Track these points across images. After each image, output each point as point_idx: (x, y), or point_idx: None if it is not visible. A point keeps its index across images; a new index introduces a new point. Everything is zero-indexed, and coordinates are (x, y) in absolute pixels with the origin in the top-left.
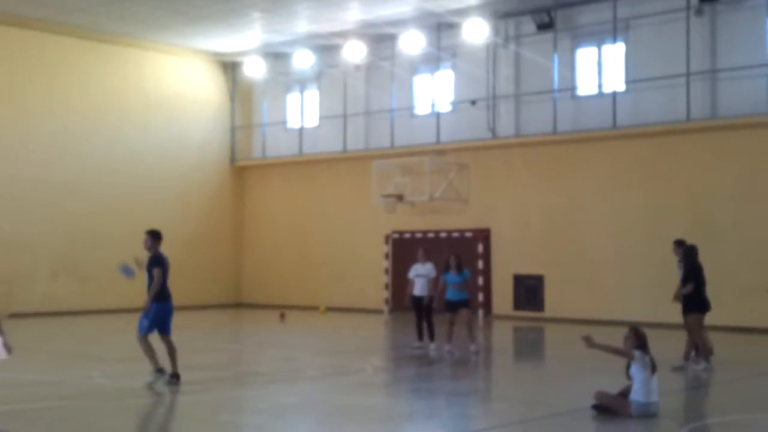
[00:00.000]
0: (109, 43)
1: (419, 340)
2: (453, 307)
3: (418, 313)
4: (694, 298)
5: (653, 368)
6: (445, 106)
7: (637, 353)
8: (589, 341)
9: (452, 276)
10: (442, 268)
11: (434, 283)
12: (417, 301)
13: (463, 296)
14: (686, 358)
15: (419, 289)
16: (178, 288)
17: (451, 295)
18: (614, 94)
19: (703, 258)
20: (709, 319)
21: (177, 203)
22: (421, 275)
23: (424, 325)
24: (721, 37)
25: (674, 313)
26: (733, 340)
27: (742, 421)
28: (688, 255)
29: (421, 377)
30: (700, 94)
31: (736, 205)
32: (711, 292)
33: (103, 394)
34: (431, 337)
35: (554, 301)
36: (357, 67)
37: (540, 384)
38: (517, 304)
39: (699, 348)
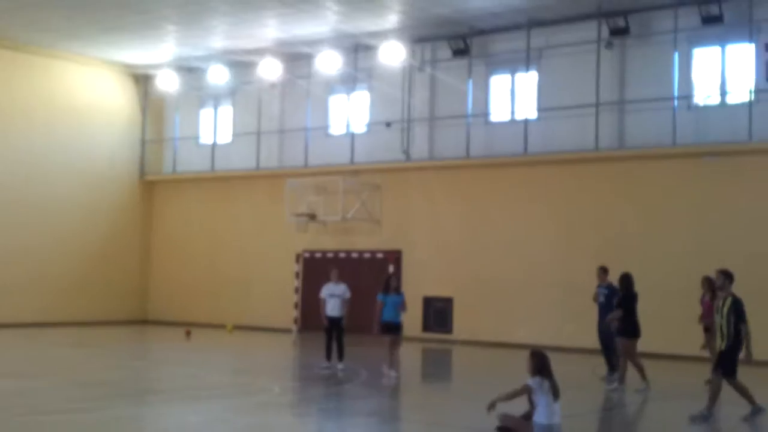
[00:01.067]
0: (17, 50)
1: (327, 360)
2: (394, 329)
3: (329, 334)
4: (626, 324)
5: (555, 391)
6: (360, 127)
7: (534, 381)
8: (490, 406)
9: (394, 297)
10: (381, 288)
11: (348, 304)
12: (329, 321)
13: (400, 318)
14: (624, 378)
15: (332, 309)
16: (81, 303)
17: (391, 316)
18: (526, 122)
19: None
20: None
21: (84, 216)
22: (335, 295)
23: (333, 345)
24: (630, 70)
25: (578, 337)
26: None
27: None
28: (623, 282)
29: (329, 397)
30: (608, 124)
31: (642, 233)
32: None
33: None
34: (340, 357)
35: (463, 323)
36: (272, 85)
37: (446, 406)
38: (426, 326)
39: (616, 368)
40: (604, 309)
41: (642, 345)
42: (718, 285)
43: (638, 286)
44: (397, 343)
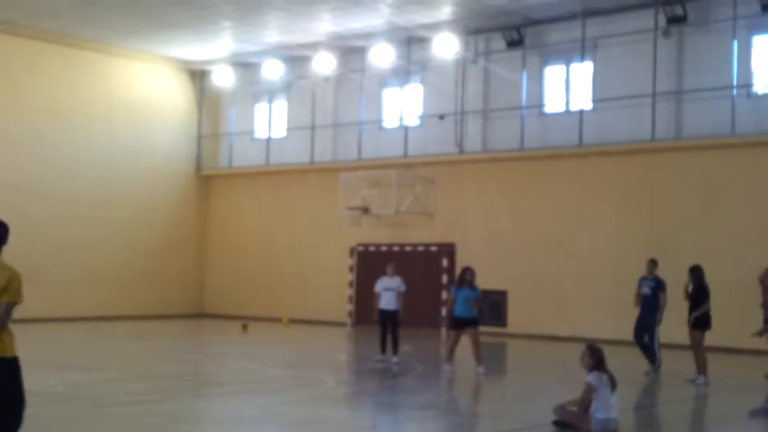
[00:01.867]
0: (77, 47)
1: (382, 354)
2: (462, 324)
3: (383, 328)
4: (699, 316)
5: (613, 385)
6: (413, 120)
7: (592, 377)
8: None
9: (467, 291)
10: (456, 281)
11: (403, 297)
12: (384, 315)
13: (474, 313)
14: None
15: (387, 302)
16: (140, 297)
17: (463, 311)
18: (581, 113)
19: (666, 277)
20: (677, 337)
21: (141, 211)
22: (390, 289)
23: (389, 338)
24: (688, 59)
25: (626, 331)
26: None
27: None
28: (696, 274)
29: (384, 391)
30: (665, 115)
31: (699, 225)
32: (676, 311)
33: (59, 402)
34: (395, 351)
35: (517, 316)
36: (326, 79)
37: (502, 399)
38: (481, 319)
39: (699, 364)
40: (649, 301)
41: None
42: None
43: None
44: (471, 339)
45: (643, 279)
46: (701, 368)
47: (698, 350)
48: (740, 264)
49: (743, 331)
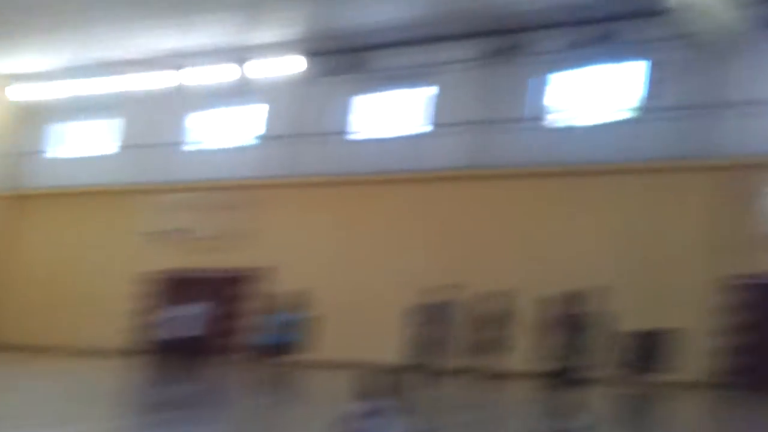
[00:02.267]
0: None
1: (171, 384)
2: (275, 350)
3: (175, 356)
4: None
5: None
6: (232, 142)
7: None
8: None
9: (285, 315)
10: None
11: (204, 323)
12: (177, 344)
13: (290, 339)
14: None
15: (181, 329)
16: None
17: (277, 337)
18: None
19: None
20: None
21: None
22: (187, 315)
23: (184, 366)
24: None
25: None
26: None
27: None
28: None
29: (178, 422)
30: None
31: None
32: None
33: None
34: (191, 380)
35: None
36: (149, 97)
37: (290, 427)
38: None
39: None
40: None
41: None
42: None
43: None
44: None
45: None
46: None
47: None
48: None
49: None
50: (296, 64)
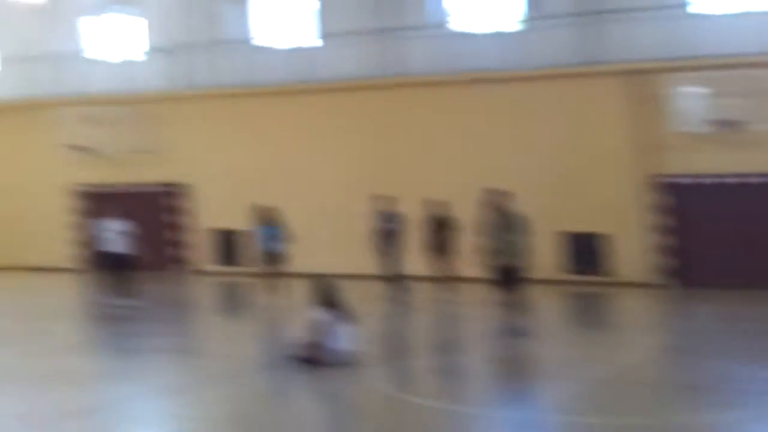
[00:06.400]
0: None
1: (117, 298)
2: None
3: (113, 270)
4: None
5: (345, 317)
6: (137, 55)
7: (316, 312)
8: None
9: (267, 228)
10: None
11: (132, 238)
12: (113, 258)
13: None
14: None
15: (114, 245)
16: None
17: (267, 247)
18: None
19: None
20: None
21: None
22: (115, 231)
23: (122, 282)
24: None
25: (360, 265)
26: (420, 288)
27: (432, 363)
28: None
29: (120, 336)
30: (385, 51)
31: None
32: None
33: None
34: (129, 294)
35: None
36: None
37: (241, 338)
38: (220, 260)
39: None
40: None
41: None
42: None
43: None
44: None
45: (380, 214)
46: None
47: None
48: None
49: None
50: None
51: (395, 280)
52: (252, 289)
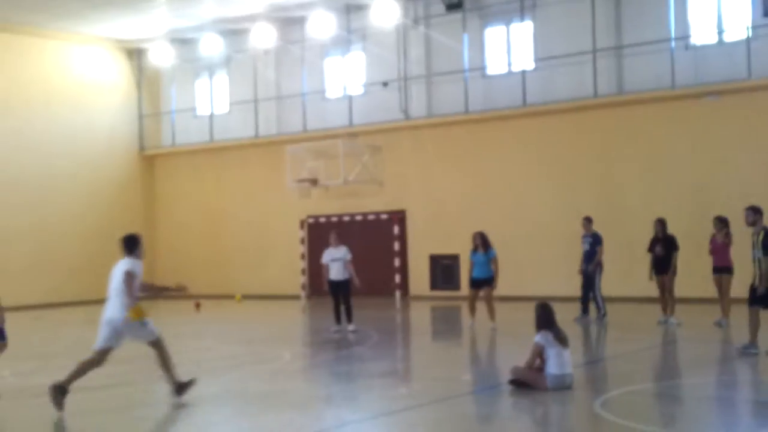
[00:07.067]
0: (10, 32)
1: (337, 324)
2: (477, 284)
3: (335, 298)
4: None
5: (562, 341)
6: (356, 89)
7: (540, 336)
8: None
9: (478, 255)
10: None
11: (351, 265)
12: (334, 285)
13: (488, 274)
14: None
15: (335, 273)
16: (91, 281)
17: (476, 273)
18: (523, 73)
19: (613, 233)
20: (622, 290)
21: (85, 194)
22: (336, 259)
23: (342, 308)
24: (626, 14)
25: (571, 287)
26: (646, 310)
27: (654, 389)
28: (663, 227)
29: (340, 361)
30: (606, 71)
31: (644, 179)
32: (623, 266)
33: (14, 392)
34: (350, 320)
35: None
36: (266, 52)
37: (458, 362)
38: (434, 284)
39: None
40: (589, 256)
41: (649, 289)
42: (749, 221)
43: (640, 230)
44: (484, 297)
45: (583, 236)
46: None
47: (671, 295)
48: (684, 215)
49: (687, 279)
50: (392, 9)
51: (597, 301)
52: (465, 313)
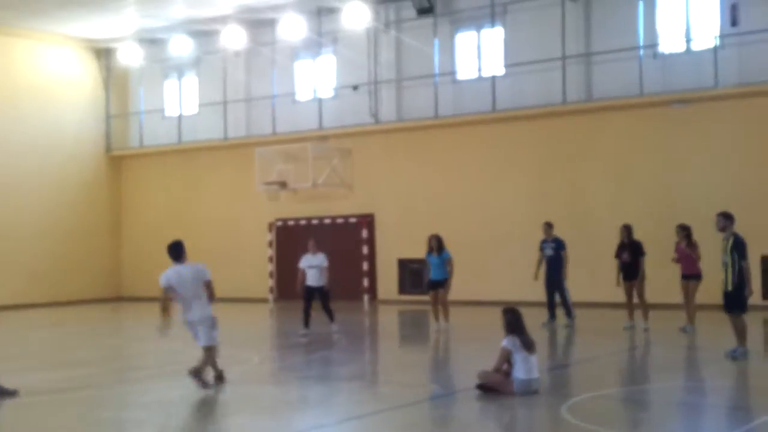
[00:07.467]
0: None
1: (305, 328)
2: (434, 286)
3: (307, 302)
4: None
5: (528, 346)
6: (327, 92)
7: (508, 341)
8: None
9: (432, 257)
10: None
11: (328, 272)
12: (310, 291)
13: (444, 276)
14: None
15: (312, 279)
16: (53, 283)
17: (432, 275)
18: (493, 78)
19: (580, 238)
20: (588, 295)
21: (51, 195)
22: (313, 266)
23: (321, 313)
24: (595, 21)
25: (533, 292)
26: (612, 315)
27: (620, 394)
28: (630, 232)
29: (309, 364)
30: (575, 77)
31: (611, 185)
32: (588, 271)
33: None
34: (331, 319)
35: None
36: (236, 53)
37: (425, 366)
38: (402, 288)
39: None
40: (553, 261)
41: (616, 294)
42: (719, 227)
43: (607, 236)
44: (440, 299)
45: (544, 242)
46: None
47: (643, 300)
48: (650, 221)
49: (652, 285)
50: (363, 13)
51: (568, 305)
52: (429, 317)
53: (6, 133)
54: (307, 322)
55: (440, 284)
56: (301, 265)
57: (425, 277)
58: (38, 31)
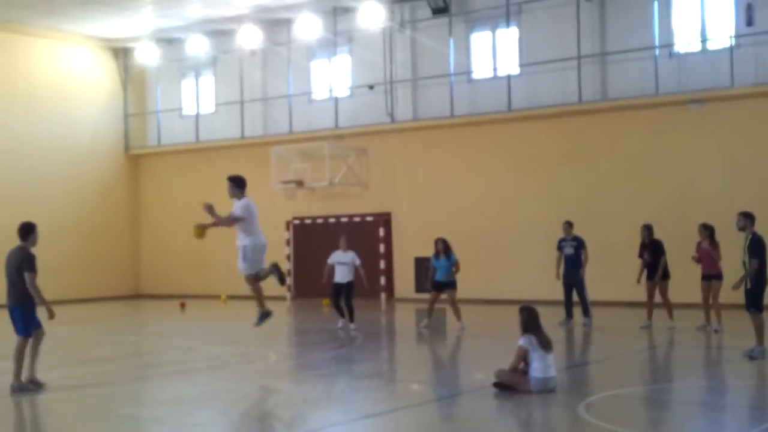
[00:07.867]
0: None
1: (342, 318)
2: (438, 287)
3: (336, 299)
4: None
5: (545, 345)
6: (343, 91)
7: (524, 340)
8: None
9: (440, 261)
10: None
11: (361, 269)
12: (338, 288)
13: (450, 278)
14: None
15: (340, 276)
16: (72, 281)
17: (438, 276)
18: (508, 78)
19: (596, 238)
20: (604, 294)
21: (69, 193)
22: (342, 263)
23: (343, 306)
24: (610, 21)
25: (552, 290)
26: (629, 315)
27: (638, 393)
28: (651, 232)
29: (326, 362)
30: (591, 77)
31: (626, 185)
32: (605, 270)
33: None
34: (351, 319)
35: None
36: (253, 53)
37: (444, 365)
38: (419, 287)
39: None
40: (573, 260)
41: (632, 293)
42: (739, 226)
43: (623, 235)
44: (448, 300)
45: (562, 240)
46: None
47: (666, 299)
48: (666, 221)
49: (670, 284)
50: (379, 12)
51: (586, 303)
52: (450, 315)
53: (25, 132)
54: (342, 313)
55: (444, 286)
56: (330, 261)
57: (429, 278)
58: (57, 31)
